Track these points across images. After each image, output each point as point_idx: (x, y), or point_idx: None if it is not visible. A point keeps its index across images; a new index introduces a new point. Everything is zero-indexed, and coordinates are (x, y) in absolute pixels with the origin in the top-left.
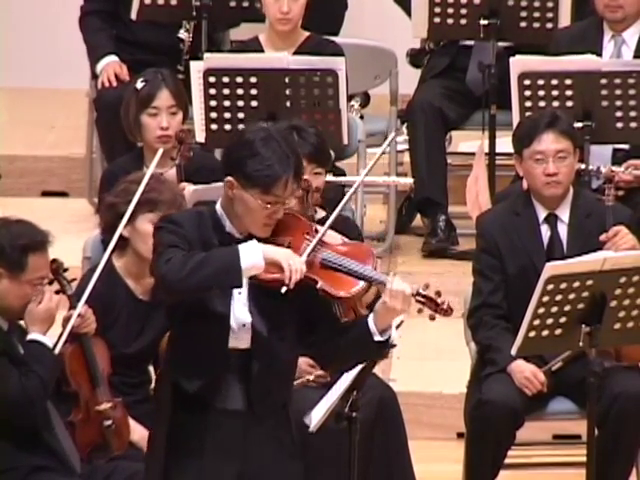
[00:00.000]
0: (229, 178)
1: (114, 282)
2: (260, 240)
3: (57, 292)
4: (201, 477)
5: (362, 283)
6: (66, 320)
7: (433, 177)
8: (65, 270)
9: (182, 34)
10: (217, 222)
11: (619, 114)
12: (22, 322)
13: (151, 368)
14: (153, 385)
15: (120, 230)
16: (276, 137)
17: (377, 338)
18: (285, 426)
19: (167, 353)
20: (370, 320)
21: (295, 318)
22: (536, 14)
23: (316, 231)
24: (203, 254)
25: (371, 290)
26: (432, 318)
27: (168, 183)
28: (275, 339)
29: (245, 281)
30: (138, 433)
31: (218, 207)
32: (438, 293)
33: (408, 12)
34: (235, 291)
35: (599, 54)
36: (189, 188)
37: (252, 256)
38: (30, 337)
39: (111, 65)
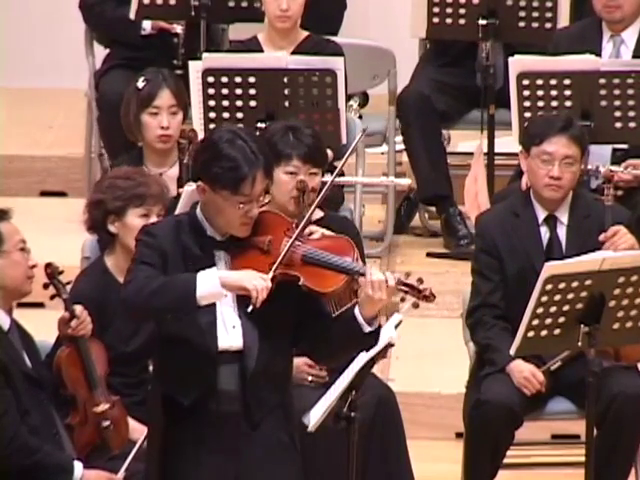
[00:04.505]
0: (199, 183)
1: (107, 282)
2: (240, 240)
3: (52, 297)
4: None
5: (344, 276)
6: (61, 323)
7: (435, 171)
8: (60, 273)
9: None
10: (198, 227)
11: (618, 114)
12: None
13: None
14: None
15: None
16: (242, 137)
17: (366, 329)
18: (283, 427)
19: (155, 368)
20: (357, 312)
21: (284, 316)
22: (535, 14)
23: (296, 227)
24: (163, 279)
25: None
26: (416, 306)
27: (154, 177)
28: (266, 338)
29: None
30: (138, 432)
31: (198, 212)
32: (420, 280)
33: None
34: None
35: (598, 54)
36: (187, 188)
37: (209, 285)
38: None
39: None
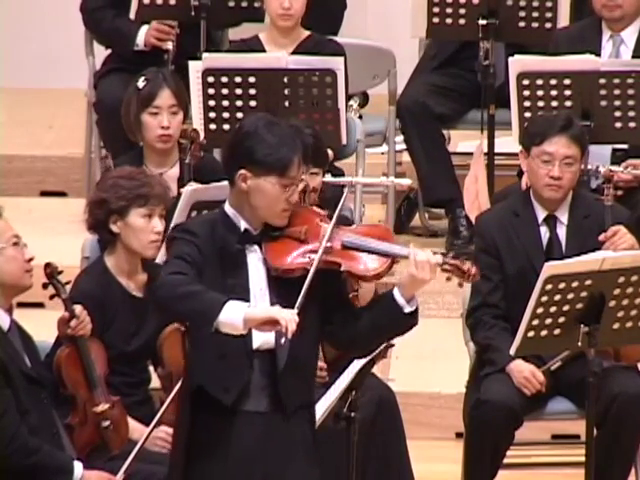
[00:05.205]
0: (242, 171)
1: (108, 282)
2: (274, 231)
3: (52, 297)
4: None
5: (385, 259)
6: (61, 322)
7: (437, 175)
8: (59, 273)
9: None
10: (230, 223)
11: (618, 114)
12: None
13: (151, 367)
14: (151, 385)
15: None
16: (276, 122)
17: (407, 310)
18: (308, 427)
19: (189, 365)
20: (396, 293)
21: (315, 309)
22: (535, 14)
23: (329, 218)
24: (198, 287)
25: (369, 288)
26: (460, 285)
27: (156, 177)
28: (298, 335)
29: (265, 277)
30: (138, 432)
31: (227, 208)
32: (462, 260)
33: None
34: (257, 288)
35: (598, 54)
36: (188, 188)
37: (232, 315)
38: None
39: (153, 27)
